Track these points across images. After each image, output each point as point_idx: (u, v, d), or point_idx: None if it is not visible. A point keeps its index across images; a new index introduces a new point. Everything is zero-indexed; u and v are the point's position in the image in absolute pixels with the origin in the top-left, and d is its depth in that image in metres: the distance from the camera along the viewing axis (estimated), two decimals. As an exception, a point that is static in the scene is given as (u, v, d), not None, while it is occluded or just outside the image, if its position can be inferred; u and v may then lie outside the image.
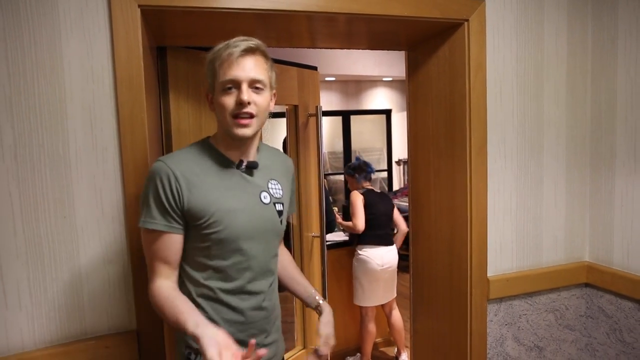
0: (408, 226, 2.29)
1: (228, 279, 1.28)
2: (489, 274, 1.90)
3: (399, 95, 7.66)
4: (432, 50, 1.96)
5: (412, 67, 2.12)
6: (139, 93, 1.40)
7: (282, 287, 1.54)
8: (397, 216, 3.53)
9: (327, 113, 6.42)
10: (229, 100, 1.20)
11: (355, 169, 3.57)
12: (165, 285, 1.23)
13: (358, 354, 3.55)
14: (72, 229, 1.42)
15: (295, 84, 2.53)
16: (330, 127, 7.25)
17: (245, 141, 1.27)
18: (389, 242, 3.43)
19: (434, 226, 2.05)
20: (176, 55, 1.84)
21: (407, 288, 5.16)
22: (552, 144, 1.96)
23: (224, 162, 1.30)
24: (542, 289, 1.99)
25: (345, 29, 1.80)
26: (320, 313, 1.51)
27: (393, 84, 7.57)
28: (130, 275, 1.47)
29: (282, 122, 4.51)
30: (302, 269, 2.71)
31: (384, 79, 7.21)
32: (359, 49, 2.17)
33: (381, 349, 3.86)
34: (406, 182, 7.51)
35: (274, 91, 1.31)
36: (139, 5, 1.38)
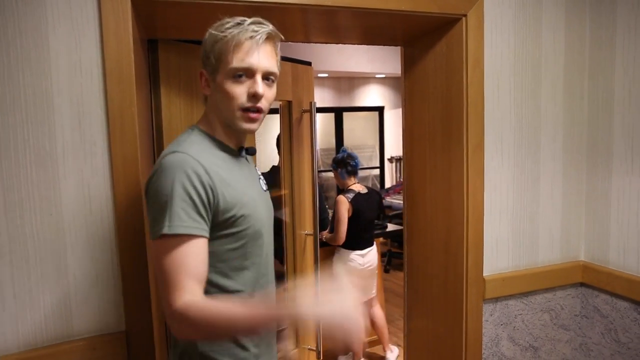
0: (403, 224, 2.26)
1: (260, 277, 1.18)
2: (485, 273, 1.88)
3: (392, 92, 7.64)
4: (429, 46, 1.93)
5: (409, 62, 2.09)
6: (129, 86, 1.35)
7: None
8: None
9: (319, 110, 6.38)
10: (239, 90, 1.08)
11: (338, 162, 3.37)
12: (202, 299, 1.00)
13: (350, 352, 3.52)
14: (59, 227, 1.37)
15: (289, 79, 2.49)
16: (322, 124, 7.22)
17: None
18: (371, 243, 3.39)
19: (430, 224, 2.03)
20: (168, 49, 1.79)
21: (398, 286, 5.19)
22: (549, 141, 1.94)
23: (229, 150, 1.18)
24: (538, 288, 1.97)
25: (340, 23, 1.77)
26: None
27: (386, 80, 7.55)
28: (120, 274, 1.43)
29: (275, 118, 4.49)
30: (294, 267, 2.67)
31: (377, 75, 7.18)
32: (354, 43, 2.14)
33: (368, 350, 3.83)
34: (399, 180, 7.50)
35: None
36: (130, -4, 1.33)
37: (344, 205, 3.21)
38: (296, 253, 2.72)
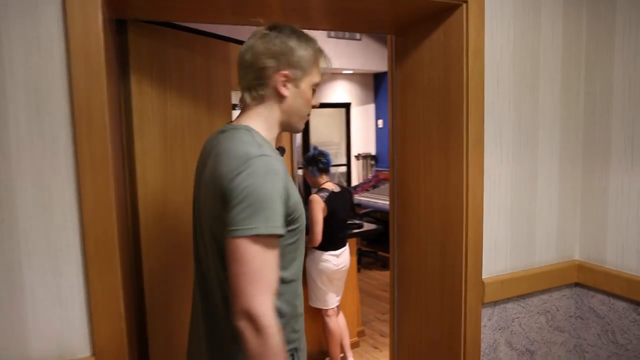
0: (388, 224, 2.13)
1: (301, 266, 1.26)
2: (484, 276, 1.77)
3: (359, 88, 7.54)
4: (425, 35, 1.81)
5: (401, 52, 1.96)
6: (98, 70, 1.15)
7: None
8: None
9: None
10: (313, 100, 1.24)
11: (309, 160, 3.25)
12: (277, 323, 1.04)
13: (327, 358, 3.38)
14: (12, 235, 1.16)
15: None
16: (288, 120, 7.03)
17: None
18: (345, 243, 3.27)
19: (424, 225, 1.91)
20: (138, 31, 1.59)
21: (370, 285, 5.09)
22: (546, 136, 1.86)
23: (277, 151, 1.19)
24: (535, 290, 1.89)
25: (324, 7, 1.61)
26: None
27: (353, 77, 7.44)
28: (84, 290, 1.22)
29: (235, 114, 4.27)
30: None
31: (344, 71, 7.06)
32: (339, 30, 1.99)
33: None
34: (365, 177, 7.43)
35: None
36: (98, -37, 1.13)
37: (319, 205, 3.06)
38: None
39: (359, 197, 6.31)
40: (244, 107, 1.19)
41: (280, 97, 1.16)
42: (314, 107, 1.25)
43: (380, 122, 7.61)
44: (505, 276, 1.82)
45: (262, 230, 1.00)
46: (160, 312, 1.78)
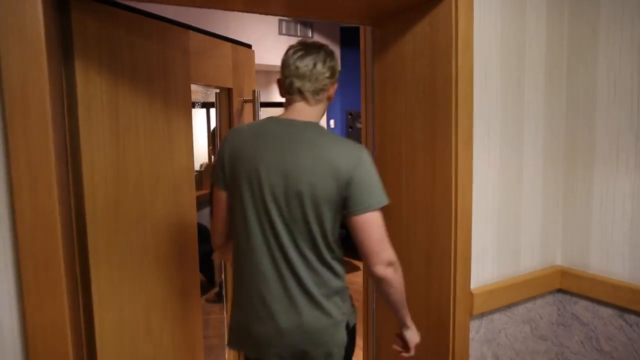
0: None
1: None
2: (472, 286, 1.66)
3: (311, 88, 7.36)
4: (407, 26, 1.67)
5: (379, 45, 1.81)
6: (36, 50, 0.91)
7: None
8: None
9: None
10: None
11: None
12: None
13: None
14: None
15: (229, 63, 2.10)
16: (239, 121, 6.76)
17: None
18: None
19: (406, 232, 1.77)
20: (83, 10, 1.34)
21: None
22: (531, 135, 1.78)
23: None
24: (521, 299, 1.80)
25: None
26: None
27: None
28: (19, 328, 0.98)
29: (201, 112, 4.03)
30: (225, 279, 2.28)
31: (296, 71, 6.88)
32: (309, 18, 1.82)
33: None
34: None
35: None
36: None
37: None
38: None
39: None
40: (300, 105, 1.36)
41: (329, 100, 1.41)
42: None
43: (332, 122, 7.47)
44: (493, 285, 1.72)
45: (385, 201, 1.28)
46: (113, 346, 1.52)
